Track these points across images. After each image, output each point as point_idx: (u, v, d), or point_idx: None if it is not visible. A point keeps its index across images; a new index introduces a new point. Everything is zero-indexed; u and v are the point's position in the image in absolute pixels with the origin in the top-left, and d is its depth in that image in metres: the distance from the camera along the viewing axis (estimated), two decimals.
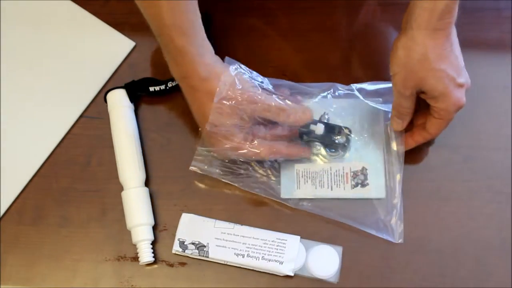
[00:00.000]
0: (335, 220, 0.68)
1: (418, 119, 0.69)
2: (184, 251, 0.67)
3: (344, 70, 0.75)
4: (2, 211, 0.70)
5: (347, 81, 0.72)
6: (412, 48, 0.62)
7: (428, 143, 0.70)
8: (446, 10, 0.60)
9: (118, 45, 0.77)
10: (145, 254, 0.66)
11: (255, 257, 0.66)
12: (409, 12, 0.63)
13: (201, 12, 0.76)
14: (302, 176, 0.70)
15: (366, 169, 0.69)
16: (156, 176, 0.71)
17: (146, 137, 0.73)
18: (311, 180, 0.69)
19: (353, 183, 0.69)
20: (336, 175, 0.70)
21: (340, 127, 0.69)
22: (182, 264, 0.68)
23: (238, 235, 0.67)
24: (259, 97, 0.64)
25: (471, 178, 0.70)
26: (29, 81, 0.76)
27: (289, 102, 0.66)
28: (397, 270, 0.67)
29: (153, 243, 0.68)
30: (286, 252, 0.66)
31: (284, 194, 0.69)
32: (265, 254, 0.66)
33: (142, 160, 0.71)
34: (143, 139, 0.72)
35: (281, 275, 0.66)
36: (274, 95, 0.66)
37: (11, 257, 0.68)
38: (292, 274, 0.66)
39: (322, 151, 0.70)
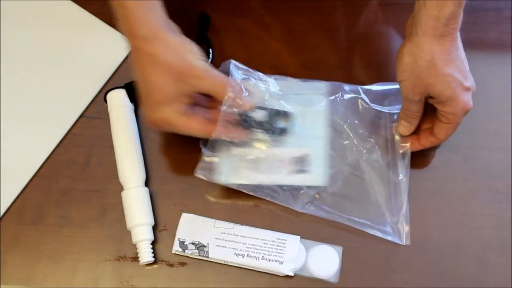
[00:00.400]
0: (335, 220, 0.68)
1: (425, 124, 0.69)
2: (184, 251, 0.67)
3: (344, 70, 0.75)
4: (2, 211, 0.70)
5: (347, 81, 0.72)
6: (419, 54, 0.62)
7: None
8: (452, 17, 0.60)
9: (118, 45, 0.77)
10: (145, 254, 0.66)
11: (255, 257, 0.66)
12: (413, 18, 0.63)
13: (198, 12, 0.76)
14: (241, 161, 0.68)
15: (307, 156, 0.68)
16: (156, 176, 0.71)
17: (146, 137, 0.73)
18: (251, 165, 0.68)
19: (293, 169, 0.68)
20: (276, 161, 0.68)
21: (280, 112, 0.68)
22: (182, 264, 0.68)
23: (238, 235, 0.67)
24: (267, 103, 0.65)
25: (471, 178, 0.70)
26: (29, 81, 0.76)
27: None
28: (397, 270, 0.67)
29: (153, 243, 0.68)
30: (286, 252, 0.66)
31: (221, 180, 0.68)
32: (265, 254, 0.66)
33: (142, 160, 0.71)
34: (143, 139, 0.72)
35: (281, 275, 0.66)
36: (281, 101, 0.67)
37: (11, 257, 0.68)
38: (292, 274, 0.66)
39: (263, 136, 0.68)
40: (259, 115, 0.67)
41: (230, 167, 0.68)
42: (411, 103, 0.66)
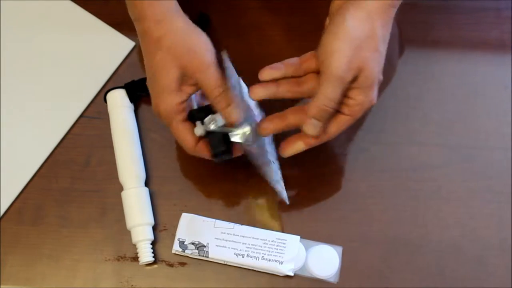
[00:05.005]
0: (335, 220, 0.68)
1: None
2: (184, 251, 0.67)
3: None
4: (2, 211, 0.70)
5: None
6: (364, 19, 0.51)
7: (429, 142, 0.71)
8: None
9: (118, 45, 0.77)
10: (145, 254, 0.66)
11: (255, 257, 0.66)
12: None
13: (198, 12, 0.76)
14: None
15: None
16: (156, 176, 0.71)
17: (146, 137, 0.73)
18: None
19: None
20: None
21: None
22: (182, 264, 0.68)
23: (238, 235, 0.67)
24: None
25: (471, 178, 0.70)
26: (29, 81, 0.76)
27: None
28: (397, 270, 0.67)
29: (153, 243, 0.68)
30: (286, 252, 0.66)
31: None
32: (265, 254, 0.66)
33: (142, 160, 0.71)
34: (143, 139, 0.72)
35: (281, 275, 0.66)
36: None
37: (11, 257, 0.68)
38: (292, 274, 0.66)
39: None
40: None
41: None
42: (336, 86, 0.53)
